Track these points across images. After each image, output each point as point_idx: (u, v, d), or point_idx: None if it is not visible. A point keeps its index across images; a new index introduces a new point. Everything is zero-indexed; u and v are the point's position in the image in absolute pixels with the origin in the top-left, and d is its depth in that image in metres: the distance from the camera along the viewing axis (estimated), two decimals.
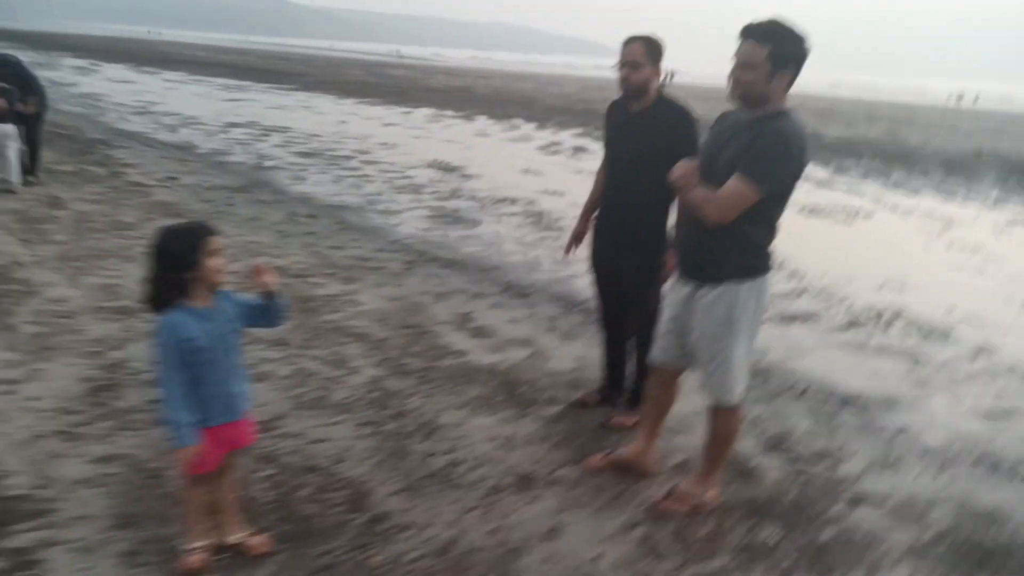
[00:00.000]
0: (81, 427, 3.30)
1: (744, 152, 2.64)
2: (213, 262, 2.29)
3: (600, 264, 3.75)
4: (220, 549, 2.53)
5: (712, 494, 3.10)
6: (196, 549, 2.47)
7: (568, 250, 3.95)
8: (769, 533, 2.96)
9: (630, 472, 3.28)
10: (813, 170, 13.43)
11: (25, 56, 10.48)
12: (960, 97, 68.49)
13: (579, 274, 6.74)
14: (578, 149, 16.34)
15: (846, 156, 17.62)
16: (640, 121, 3.45)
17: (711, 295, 2.82)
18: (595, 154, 15.23)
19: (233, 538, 2.56)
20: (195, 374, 2.32)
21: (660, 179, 3.14)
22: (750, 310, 2.81)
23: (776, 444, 3.74)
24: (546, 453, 3.45)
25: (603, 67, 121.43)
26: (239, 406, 2.46)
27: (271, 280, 2.40)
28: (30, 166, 8.20)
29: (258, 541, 2.58)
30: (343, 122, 18.48)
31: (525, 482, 3.18)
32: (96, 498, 2.81)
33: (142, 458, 3.09)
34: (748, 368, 2.96)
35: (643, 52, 3.35)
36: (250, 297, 2.46)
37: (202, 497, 2.47)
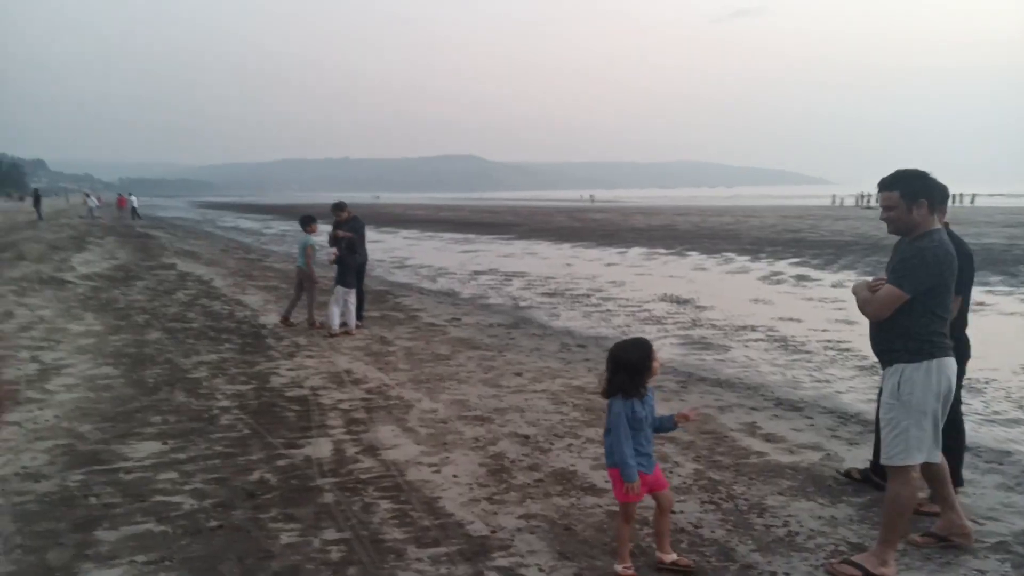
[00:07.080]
0: (497, 496, 4.47)
1: (893, 266, 3.57)
2: (655, 365, 3.40)
3: None
4: (658, 567, 3.52)
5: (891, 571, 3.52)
6: (628, 568, 3.43)
7: None
8: None
9: (950, 543, 3.82)
10: None
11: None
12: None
13: (844, 390, 7.30)
14: (801, 278, 16.75)
15: None
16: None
17: (886, 374, 3.61)
18: (819, 282, 15.67)
19: (669, 558, 3.52)
20: (633, 438, 3.40)
21: None
22: (918, 387, 3.44)
23: None
24: (867, 531, 4.07)
25: (795, 196, 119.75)
26: (652, 462, 3.50)
27: (688, 422, 3.61)
28: (358, 313, 10.31)
29: (687, 560, 3.55)
30: (569, 264, 20.39)
31: (858, 550, 3.82)
32: (535, 540, 3.89)
33: (552, 517, 4.17)
34: (924, 443, 3.47)
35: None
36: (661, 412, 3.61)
37: (629, 525, 3.48)
